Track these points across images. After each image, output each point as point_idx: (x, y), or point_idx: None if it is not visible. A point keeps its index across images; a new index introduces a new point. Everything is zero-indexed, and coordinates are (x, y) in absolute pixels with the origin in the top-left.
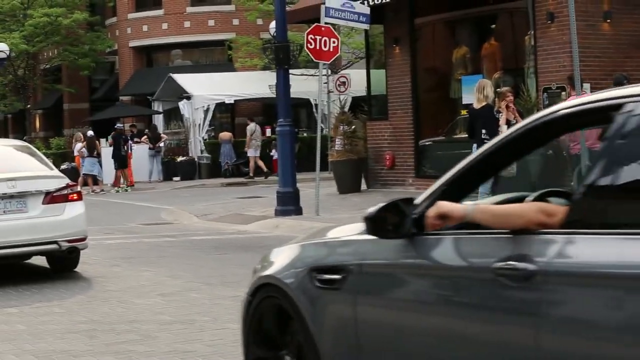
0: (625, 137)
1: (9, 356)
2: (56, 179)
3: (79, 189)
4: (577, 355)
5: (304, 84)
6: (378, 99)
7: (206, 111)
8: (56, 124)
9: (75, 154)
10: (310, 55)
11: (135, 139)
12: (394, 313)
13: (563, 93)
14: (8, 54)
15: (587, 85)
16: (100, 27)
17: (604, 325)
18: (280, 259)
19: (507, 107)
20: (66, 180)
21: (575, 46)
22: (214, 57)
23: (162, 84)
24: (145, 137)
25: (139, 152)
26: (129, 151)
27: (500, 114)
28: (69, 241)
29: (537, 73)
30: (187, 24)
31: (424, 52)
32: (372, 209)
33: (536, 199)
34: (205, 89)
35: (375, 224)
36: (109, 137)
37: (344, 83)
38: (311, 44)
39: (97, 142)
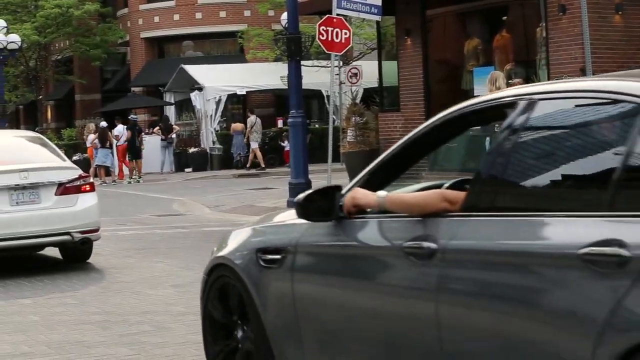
0: (514, 132)
1: (22, 347)
2: (69, 170)
3: (91, 180)
4: (468, 324)
5: (315, 76)
6: (390, 90)
7: (218, 102)
8: (68, 115)
9: (88, 145)
10: (322, 46)
11: (146, 130)
12: (323, 288)
13: None
14: (19, 45)
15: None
16: (111, 19)
17: (489, 296)
18: (233, 241)
19: None
20: (79, 172)
21: (587, 38)
22: (226, 48)
23: (174, 75)
24: (158, 128)
25: (151, 143)
26: (142, 142)
27: None
28: (81, 232)
29: (549, 65)
30: (198, 15)
31: (435, 44)
32: (301, 195)
33: (452, 187)
34: (216, 80)
35: (304, 208)
36: (115, 130)
37: (355, 74)
38: (323, 36)
39: (109, 133)
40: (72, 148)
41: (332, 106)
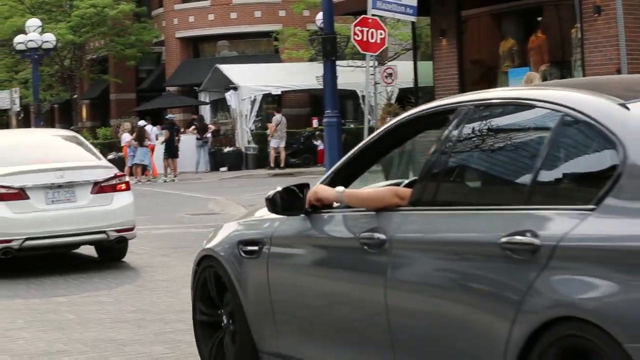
0: (451, 136)
1: (58, 345)
2: (104, 169)
3: (127, 179)
4: (410, 307)
5: (350, 76)
6: (425, 90)
7: (253, 102)
8: (103, 114)
9: (123, 144)
10: (357, 47)
11: (182, 130)
12: (293, 276)
13: None
14: (54, 44)
15: None
16: (146, 18)
17: (427, 281)
18: (220, 234)
19: None
20: (115, 170)
21: (623, 39)
22: (261, 48)
23: (209, 74)
24: (194, 127)
25: (187, 142)
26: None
27: None
28: (117, 231)
29: (584, 66)
30: (233, 15)
31: (470, 44)
32: (271, 192)
33: (408, 185)
34: (251, 79)
35: (273, 204)
36: (161, 132)
37: (390, 74)
38: (358, 36)
39: (146, 131)
40: (107, 147)
41: (367, 106)
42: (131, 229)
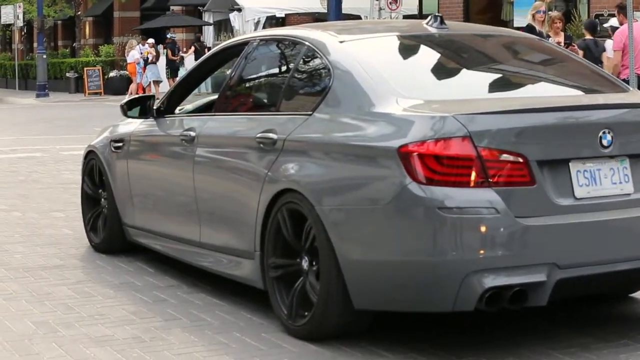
0: (242, 62)
1: (54, 260)
2: None
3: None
4: (205, 186)
5: (355, 1)
6: None
7: (257, 24)
8: (106, 31)
9: (129, 61)
10: None
11: (184, 50)
12: (142, 165)
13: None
14: None
15: (638, 14)
16: None
17: (213, 165)
18: (101, 133)
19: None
20: None
21: None
22: None
23: None
24: (193, 49)
25: (187, 64)
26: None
27: (551, 38)
28: None
29: (590, 0)
30: None
31: None
32: (124, 100)
33: None
34: (256, 1)
35: (124, 110)
36: (163, 48)
37: (395, 1)
38: None
39: (156, 49)
40: (110, 65)
41: None
42: None
